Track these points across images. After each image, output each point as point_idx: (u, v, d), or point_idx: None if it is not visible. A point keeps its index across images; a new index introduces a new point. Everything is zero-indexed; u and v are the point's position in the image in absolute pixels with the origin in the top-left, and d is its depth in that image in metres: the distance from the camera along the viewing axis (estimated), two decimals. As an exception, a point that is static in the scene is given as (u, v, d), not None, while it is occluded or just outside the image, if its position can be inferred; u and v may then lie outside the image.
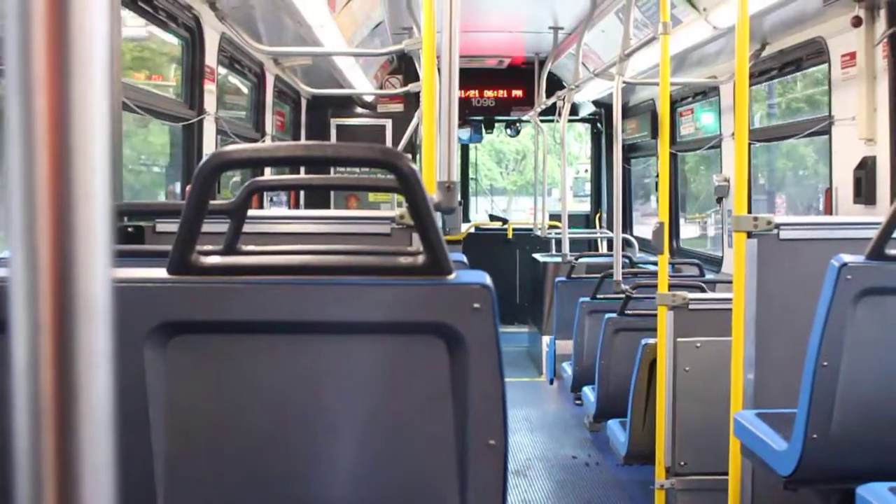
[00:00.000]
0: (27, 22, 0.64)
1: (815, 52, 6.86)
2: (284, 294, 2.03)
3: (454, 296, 2.03)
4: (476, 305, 2.02)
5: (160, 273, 2.03)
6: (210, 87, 6.90)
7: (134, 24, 6.08)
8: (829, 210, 6.56)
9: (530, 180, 16.00)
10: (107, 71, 0.67)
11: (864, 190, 6.04)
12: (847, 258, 3.18)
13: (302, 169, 9.05)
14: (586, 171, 15.81)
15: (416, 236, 4.18)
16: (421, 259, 2.05)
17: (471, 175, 16.72)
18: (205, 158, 1.99)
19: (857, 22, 5.98)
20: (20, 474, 0.66)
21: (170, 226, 4.40)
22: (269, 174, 7.78)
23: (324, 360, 2.10)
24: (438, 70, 3.91)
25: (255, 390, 2.11)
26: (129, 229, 4.63)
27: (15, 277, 0.65)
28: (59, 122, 0.65)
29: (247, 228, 2.88)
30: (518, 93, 13.95)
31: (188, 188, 6.52)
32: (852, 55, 6.17)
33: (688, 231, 11.89)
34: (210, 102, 6.88)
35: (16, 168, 0.65)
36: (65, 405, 0.66)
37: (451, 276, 2.04)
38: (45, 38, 0.64)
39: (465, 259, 3.39)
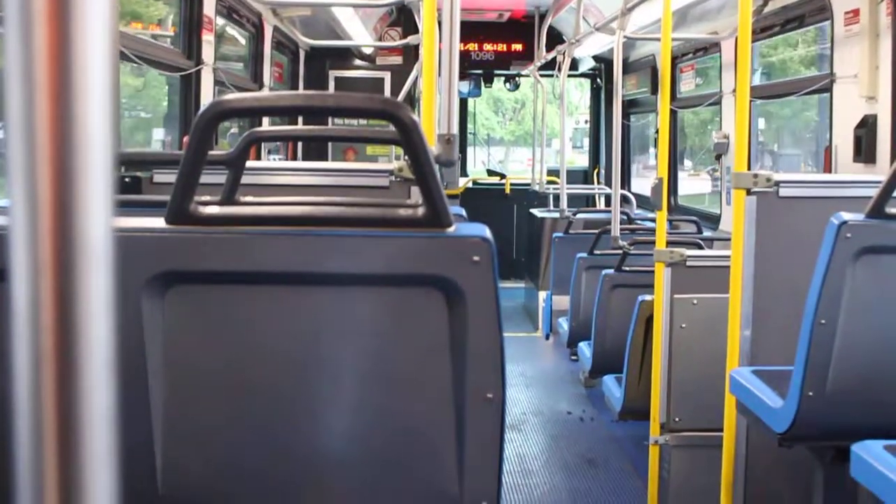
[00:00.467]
0: None
1: (818, 8, 6.81)
2: (284, 245, 2.03)
3: (454, 248, 2.03)
4: (475, 258, 2.02)
5: (158, 223, 2.02)
6: (208, 38, 6.86)
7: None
8: (828, 168, 6.54)
9: (529, 130, 15.90)
10: (108, 12, 0.66)
11: (865, 148, 6.02)
12: (847, 216, 3.17)
13: (300, 121, 9.02)
14: (586, 121, 15.73)
15: (414, 189, 4.17)
16: (421, 211, 2.04)
17: (469, 128, 16.65)
18: (204, 107, 1.97)
19: (860, -21, 5.94)
20: (20, 420, 0.65)
21: (167, 176, 4.38)
22: (266, 126, 7.76)
23: (323, 312, 2.09)
24: (438, 23, 3.87)
25: (253, 341, 2.11)
26: (127, 179, 4.61)
27: (15, 223, 0.64)
28: (58, 65, 0.64)
29: (244, 180, 2.87)
30: (518, 47, 13.87)
31: (185, 138, 6.51)
32: (855, 12, 6.12)
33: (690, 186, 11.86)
34: (208, 53, 6.83)
35: (15, 112, 0.64)
36: (65, 350, 0.65)
37: (451, 229, 2.04)
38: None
39: (464, 213, 3.39)
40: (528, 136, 20.88)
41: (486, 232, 2.04)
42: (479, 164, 17.49)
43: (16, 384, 0.65)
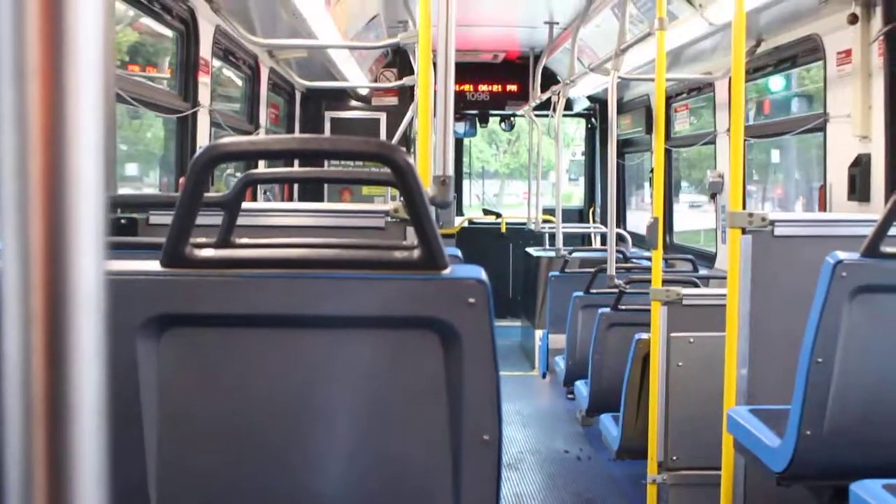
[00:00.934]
0: (21, 11, 0.63)
1: (811, 49, 6.86)
2: (279, 288, 2.03)
3: (449, 291, 2.03)
4: (471, 300, 2.02)
5: (153, 266, 2.02)
6: (204, 80, 6.88)
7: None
8: (822, 207, 6.56)
9: (523, 162, 15.82)
10: (100, 60, 0.66)
11: (859, 187, 6.04)
12: (842, 255, 3.18)
13: (296, 162, 9.04)
14: (582, 153, 15.75)
15: (410, 230, 4.18)
16: (416, 253, 2.04)
17: (464, 163, 16.64)
18: (200, 150, 1.97)
19: (853, 19, 5.98)
20: (10, 467, 0.65)
21: (163, 218, 4.38)
22: (262, 167, 7.78)
23: (318, 355, 2.09)
24: (434, 64, 3.90)
25: (248, 384, 2.10)
26: (123, 221, 4.61)
27: (7, 269, 0.64)
28: (52, 112, 0.64)
29: (240, 221, 2.87)
30: (513, 87, 13.93)
31: (181, 180, 6.52)
32: (848, 52, 6.16)
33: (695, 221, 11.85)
34: (204, 95, 6.86)
35: (8, 158, 0.64)
36: (56, 398, 0.65)
37: (447, 271, 2.04)
38: (38, 27, 0.63)
39: (459, 253, 3.38)
40: (523, 168, 20.62)
41: (482, 274, 2.04)
42: (473, 199, 17.34)
43: (6, 433, 0.65)
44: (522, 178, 23.98)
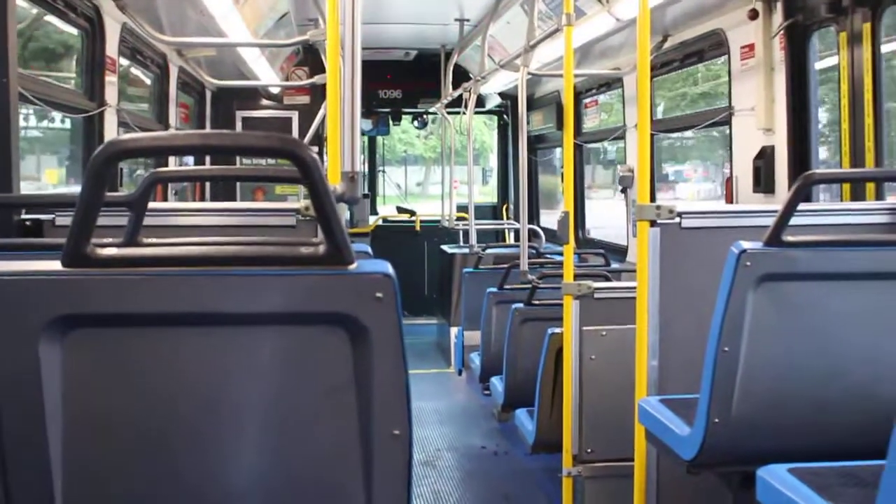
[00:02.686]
0: None
1: (716, 43, 6.98)
2: (183, 285, 2.00)
3: (356, 286, 2.02)
4: (378, 295, 2.01)
5: (54, 265, 1.98)
6: (111, 79, 6.77)
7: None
8: (729, 199, 6.69)
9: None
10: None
11: (764, 179, 6.17)
12: (746, 245, 3.24)
13: (207, 160, 8.95)
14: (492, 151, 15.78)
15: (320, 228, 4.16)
16: (322, 249, 2.03)
17: (384, 144, 16.52)
18: (99, 148, 1.94)
19: (753, 15, 6.10)
20: None
21: (70, 219, 4.31)
22: (173, 165, 7.69)
23: (225, 352, 2.07)
24: (343, 61, 3.88)
25: (155, 383, 2.07)
26: (28, 222, 4.52)
27: None
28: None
29: (150, 221, 2.84)
30: (425, 84, 13.95)
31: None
32: (751, 47, 6.29)
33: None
34: (111, 94, 6.75)
35: None
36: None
37: (353, 266, 2.03)
38: None
39: (369, 249, 3.38)
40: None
41: (389, 268, 2.04)
42: (394, 189, 16.92)
43: None
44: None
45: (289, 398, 2.09)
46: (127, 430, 2.07)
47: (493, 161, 11.20)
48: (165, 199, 8.93)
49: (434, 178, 26.74)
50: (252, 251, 2.04)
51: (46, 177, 6.89)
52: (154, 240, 2.54)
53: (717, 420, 3.33)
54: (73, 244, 1.96)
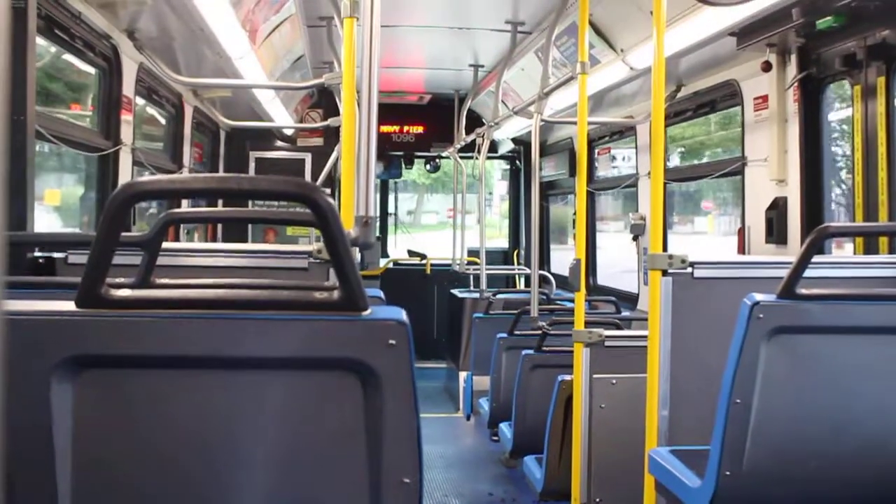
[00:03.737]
0: None
1: (729, 94, 7.00)
2: (197, 328, 2.00)
3: (369, 332, 2.02)
4: (391, 342, 2.01)
5: (68, 305, 1.98)
6: (127, 118, 6.81)
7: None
8: (741, 249, 6.67)
9: (448, 173, 15.23)
10: (5, 97, 0.65)
11: (776, 230, 6.16)
12: (759, 297, 3.23)
13: (220, 202, 8.98)
14: (503, 198, 15.73)
15: (333, 271, 4.16)
16: (336, 294, 2.03)
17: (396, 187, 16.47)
18: (117, 189, 1.95)
19: (766, 67, 6.12)
20: None
21: (82, 257, 4.32)
22: (185, 207, 7.70)
23: (237, 396, 2.06)
24: (358, 104, 3.90)
25: (166, 426, 2.06)
26: (41, 260, 4.54)
27: None
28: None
29: (162, 261, 2.83)
30: (438, 129, 14.00)
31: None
32: (764, 98, 6.30)
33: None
34: (127, 133, 6.78)
35: None
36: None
37: (367, 312, 2.03)
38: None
39: (382, 295, 3.37)
40: (448, 179, 18.02)
41: (403, 315, 2.04)
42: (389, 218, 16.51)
43: None
44: (445, 190, 22.33)
45: (299, 443, 2.08)
46: (136, 472, 2.07)
47: (494, 201, 11.15)
48: (177, 237, 8.96)
49: (428, 206, 25.85)
50: (266, 296, 2.04)
51: (47, 198, 6.89)
52: (167, 280, 2.54)
53: (728, 472, 3.30)
54: (87, 285, 1.96)
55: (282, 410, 2.07)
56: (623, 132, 9.70)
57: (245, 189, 2.00)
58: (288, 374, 2.06)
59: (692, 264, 4.30)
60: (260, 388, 2.06)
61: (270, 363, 2.04)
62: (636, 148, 9.14)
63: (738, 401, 3.25)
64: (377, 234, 3.31)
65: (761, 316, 3.21)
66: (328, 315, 2.02)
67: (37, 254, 4.53)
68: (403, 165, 14.64)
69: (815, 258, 3.27)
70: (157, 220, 2.73)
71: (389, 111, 13.03)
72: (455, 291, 12.13)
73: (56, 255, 4.55)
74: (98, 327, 1.98)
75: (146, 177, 2.01)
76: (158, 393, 2.05)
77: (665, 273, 4.30)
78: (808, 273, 3.21)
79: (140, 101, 7.53)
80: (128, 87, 6.82)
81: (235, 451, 2.07)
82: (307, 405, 2.07)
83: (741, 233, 6.69)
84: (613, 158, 10.48)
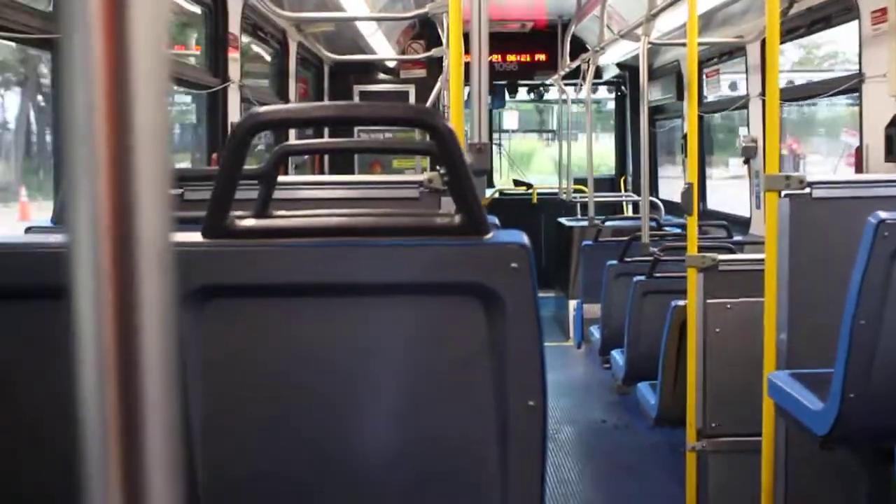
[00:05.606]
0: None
1: (845, 8, 6.77)
2: (322, 256, 2.02)
3: (492, 256, 2.01)
4: (514, 265, 2.00)
5: (195, 237, 2.01)
6: (234, 56, 6.88)
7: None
8: (859, 168, 6.49)
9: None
10: (163, 19, 0.66)
11: (896, 147, 5.97)
12: (884, 215, 3.14)
13: (325, 135, 9.05)
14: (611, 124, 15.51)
15: (445, 200, 4.16)
16: (458, 219, 2.03)
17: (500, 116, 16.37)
18: (240, 119, 1.97)
19: (887, -23, 5.90)
20: (88, 435, 0.64)
21: (198, 193, 4.38)
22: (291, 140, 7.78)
23: (360, 322, 2.08)
24: (464, 33, 3.87)
25: (290, 353, 2.10)
26: None
27: (76, 233, 0.64)
28: (116, 72, 0.63)
29: (275, 194, 2.86)
30: (541, 57, 13.85)
31: (215, 155, 6.47)
32: (883, 11, 6.08)
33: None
34: (234, 70, 6.86)
35: (74, 120, 0.63)
36: (128, 358, 0.65)
37: (489, 236, 2.03)
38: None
39: (496, 220, 3.37)
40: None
41: (524, 238, 2.03)
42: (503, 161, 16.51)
43: (81, 393, 0.64)
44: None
45: (423, 368, 2.09)
46: (263, 397, 2.11)
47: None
48: (286, 172, 9.07)
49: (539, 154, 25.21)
50: (389, 221, 2.05)
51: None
52: (283, 212, 2.57)
53: (852, 395, 3.25)
54: (213, 215, 1.99)
55: (406, 336, 2.08)
56: (732, 53, 9.47)
57: (365, 116, 2.01)
58: (411, 299, 2.07)
59: (811, 184, 4.20)
60: (383, 314, 2.08)
61: (394, 289, 2.05)
62: (746, 68, 8.92)
63: (863, 322, 3.19)
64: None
65: (886, 234, 3.13)
66: (450, 240, 2.02)
67: None
68: (507, 94, 14.54)
69: None
70: (272, 152, 2.76)
71: (491, 40, 12.88)
72: (562, 220, 12.07)
73: (171, 191, 4.63)
74: (226, 257, 2.01)
75: (266, 107, 2.02)
76: (284, 321, 2.08)
77: (782, 194, 4.21)
78: None
79: (245, 38, 7.60)
80: (233, 24, 6.88)
81: (362, 378, 2.09)
82: (431, 330, 2.08)
83: (858, 152, 6.50)
84: (729, 84, 10.24)
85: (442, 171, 2.51)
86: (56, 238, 2.01)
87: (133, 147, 0.64)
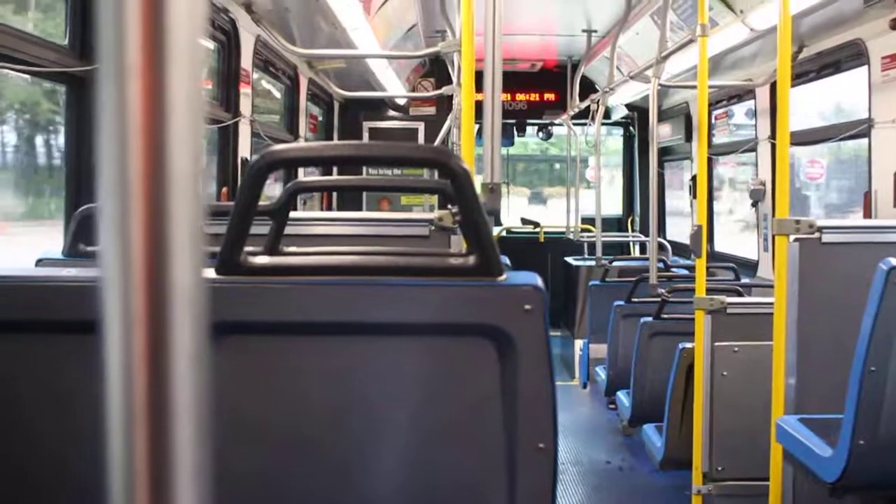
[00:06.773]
0: (122, 16, 0.63)
1: (855, 54, 6.80)
2: (334, 295, 2.02)
3: (505, 297, 2.01)
4: (527, 307, 2.00)
5: (208, 273, 2.01)
6: (245, 90, 6.92)
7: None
8: (867, 214, 6.50)
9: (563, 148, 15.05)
10: (200, 61, 0.66)
11: (905, 193, 5.98)
12: (895, 261, 3.14)
13: (334, 172, 9.07)
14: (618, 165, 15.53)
15: (454, 239, 4.17)
16: (472, 260, 2.03)
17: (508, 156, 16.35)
18: (255, 156, 1.97)
19: (895, 24, 5.92)
20: (113, 472, 0.64)
21: (208, 228, 4.39)
22: (302, 177, 7.80)
23: (372, 362, 2.08)
24: (484, 72, 3.88)
25: (301, 391, 2.09)
26: None
27: (108, 274, 0.64)
28: (153, 112, 0.64)
29: (286, 230, 2.87)
30: (550, 96, 13.90)
31: (224, 190, 6.48)
32: (892, 57, 6.10)
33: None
34: (245, 105, 6.89)
35: (109, 161, 0.64)
36: (158, 402, 0.64)
37: (502, 278, 2.02)
38: (140, 30, 0.63)
39: (507, 261, 3.37)
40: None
41: (538, 280, 2.03)
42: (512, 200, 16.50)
43: (109, 434, 0.64)
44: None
45: (435, 409, 2.09)
46: (272, 438, 2.10)
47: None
48: (295, 207, 9.07)
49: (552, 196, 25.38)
50: (403, 261, 2.05)
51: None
52: (294, 248, 2.57)
53: (861, 442, 3.23)
54: (227, 252, 1.99)
55: (417, 377, 2.08)
56: (741, 96, 9.51)
57: (381, 155, 2.01)
58: (423, 340, 2.07)
59: (821, 229, 4.20)
60: (395, 355, 2.07)
61: (406, 329, 2.05)
62: (755, 112, 8.94)
63: (874, 368, 3.18)
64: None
65: None
66: (464, 281, 2.02)
67: None
68: (516, 133, 14.59)
69: None
70: (285, 189, 2.76)
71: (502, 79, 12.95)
72: (570, 259, 12.07)
73: None
74: (238, 294, 2.01)
75: (281, 145, 2.03)
76: (295, 358, 2.08)
77: (791, 239, 4.21)
78: None
79: (256, 74, 7.64)
80: (246, 59, 6.92)
81: (370, 417, 2.08)
82: (442, 371, 2.08)
83: (867, 197, 6.50)
84: (734, 126, 10.27)
85: (454, 210, 2.51)
86: (69, 272, 2.01)
87: (167, 190, 0.64)
